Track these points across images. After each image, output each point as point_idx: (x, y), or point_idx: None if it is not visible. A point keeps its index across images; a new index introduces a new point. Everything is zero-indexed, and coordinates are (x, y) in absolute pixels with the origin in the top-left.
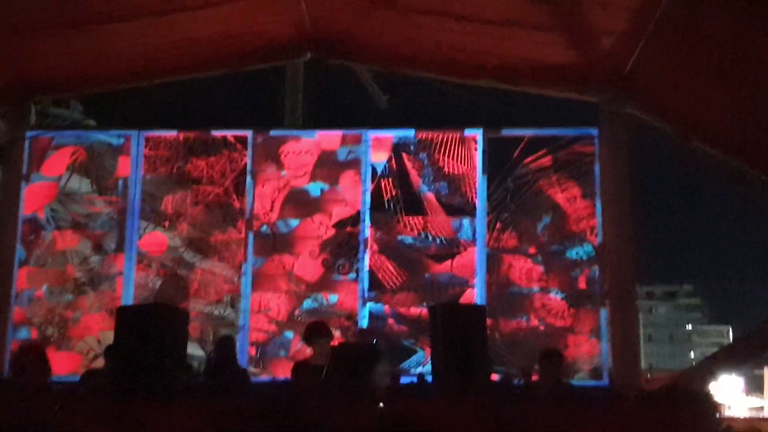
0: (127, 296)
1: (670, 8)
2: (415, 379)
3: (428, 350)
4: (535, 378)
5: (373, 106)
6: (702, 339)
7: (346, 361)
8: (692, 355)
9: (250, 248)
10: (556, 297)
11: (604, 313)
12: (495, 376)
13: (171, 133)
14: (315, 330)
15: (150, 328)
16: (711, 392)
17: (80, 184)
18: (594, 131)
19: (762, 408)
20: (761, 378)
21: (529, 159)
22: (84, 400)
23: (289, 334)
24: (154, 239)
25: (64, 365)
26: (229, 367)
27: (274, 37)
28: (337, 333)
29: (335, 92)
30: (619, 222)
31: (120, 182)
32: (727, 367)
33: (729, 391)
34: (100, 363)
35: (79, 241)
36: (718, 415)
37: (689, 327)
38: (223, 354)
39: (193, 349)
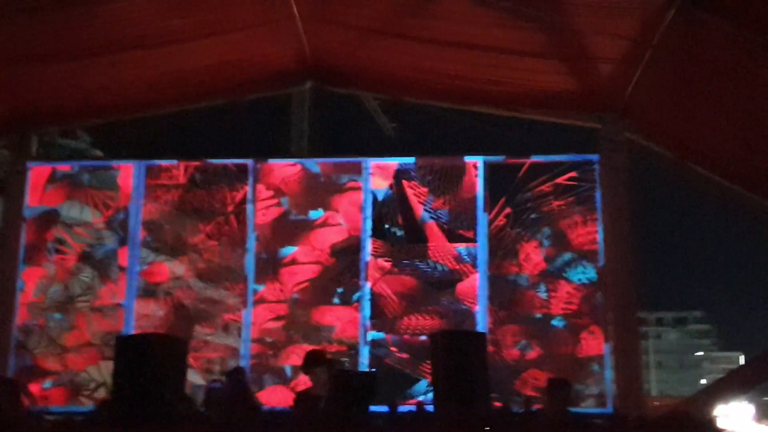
0: (128, 325)
1: (666, 36)
2: (414, 408)
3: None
4: (538, 406)
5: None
6: (713, 365)
7: (345, 389)
8: (702, 381)
9: (251, 276)
10: (559, 323)
11: (607, 342)
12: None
13: (172, 163)
14: (312, 358)
15: (149, 357)
16: (715, 418)
17: (81, 214)
18: (594, 157)
19: None
20: None
21: (529, 185)
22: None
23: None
24: (156, 268)
25: (66, 397)
26: (242, 399)
27: (274, 66)
28: (341, 361)
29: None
30: (620, 247)
31: (121, 212)
32: (734, 393)
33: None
34: (101, 393)
35: (81, 270)
36: None
37: (700, 353)
38: (237, 385)
39: (195, 378)
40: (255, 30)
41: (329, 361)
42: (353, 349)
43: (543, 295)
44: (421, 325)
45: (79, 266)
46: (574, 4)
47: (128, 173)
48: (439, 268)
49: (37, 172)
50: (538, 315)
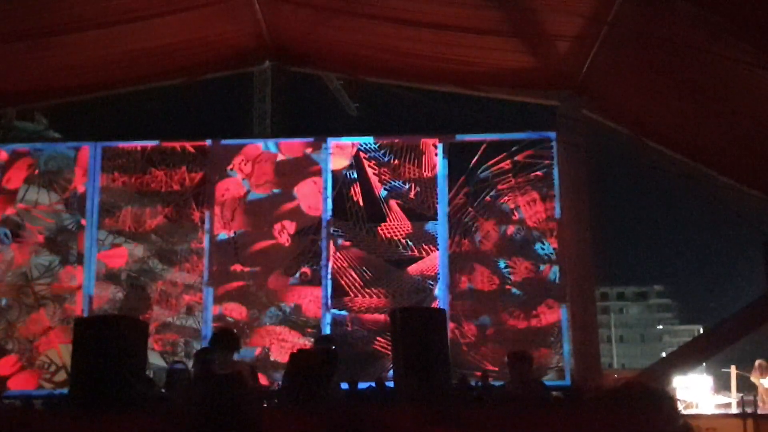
0: (87, 308)
1: (621, 13)
2: (374, 384)
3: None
4: (495, 380)
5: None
6: (673, 339)
7: (303, 367)
8: (663, 354)
9: (211, 258)
10: (518, 300)
11: (565, 314)
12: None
13: (130, 144)
14: (219, 337)
15: (108, 339)
16: (670, 389)
17: (38, 197)
18: (552, 134)
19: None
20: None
21: (488, 163)
22: (41, 414)
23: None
24: (115, 251)
25: (26, 381)
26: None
27: (232, 45)
28: (301, 340)
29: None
30: (578, 223)
31: (78, 194)
32: (690, 364)
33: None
34: (61, 377)
35: (39, 254)
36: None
37: (660, 327)
38: (202, 367)
39: (156, 360)
40: (212, 8)
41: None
42: (315, 328)
43: (502, 272)
44: (382, 303)
45: (38, 249)
46: None
47: (85, 155)
48: (400, 246)
49: None
50: (497, 291)
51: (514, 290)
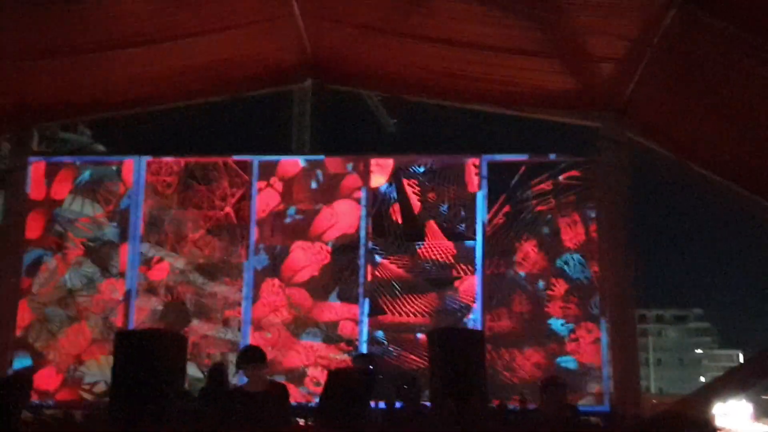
0: (128, 320)
1: (666, 36)
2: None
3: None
4: (534, 405)
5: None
6: (712, 363)
7: (341, 387)
8: (702, 379)
9: (251, 272)
10: (556, 321)
11: (604, 339)
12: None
13: (173, 158)
14: (247, 354)
15: (148, 352)
16: (712, 417)
17: (82, 208)
18: (594, 156)
19: None
20: None
21: (529, 184)
22: (81, 426)
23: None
24: (157, 263)
25: (66, 392)
26: (219, 393)
27: (275, 63)
28: (338, 358)
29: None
30: (619, 245)
31: (121, 206)
32: (732, 392)
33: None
34: (101, 388)
35: (82, 265)
36: None
37: (699, 351)
38: (215, 380)
39: (194, 372)
40: (256, 27)
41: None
42: (352, 346)
43: (541, 294)
44: (420, 322)
45: (80, 260)
46: (574, 4)
47: (129, 168)
48: (438, 265)
49: (38, 167)
50: (536, 313)
51: (552, 313)
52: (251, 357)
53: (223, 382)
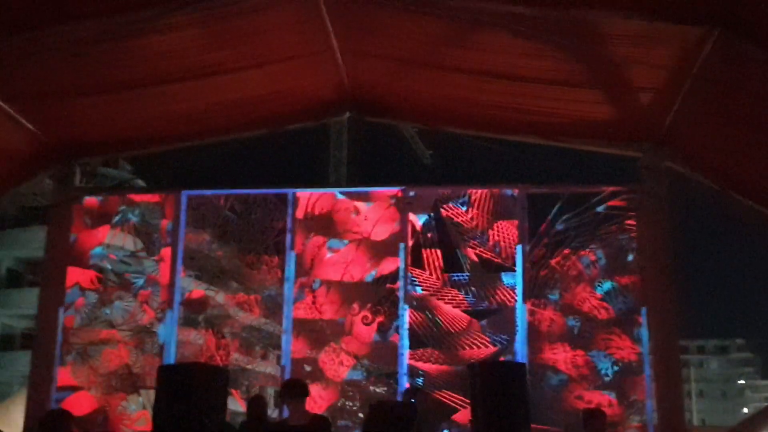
0: (170, 354)
1: (706, 65)
2: None
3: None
4: None
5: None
6: (755, 394)
7: (383, 420)
8: (745, 410)
9: (290, 306)
10: (599, 352)
11: (648, 371)
12: None
13: (213, 193)
14: (290, 387)
15: (190, 387)
16: None
17: (125, 243)
18: (634, 186)
19: None
20: None
21: (569, 215)
22: None
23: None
24: (197, 297)
25: (107, 426)
26: (259, 426)
27: (314, 98)
28: (378, 390)
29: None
30: (660, 277)
31: (162, 241)
32: None
33: None
34: (143, 424)
35: (123, 299)
36: None
37: (742, 382)
38: (254, 413)
39: (234, 406)
40: (295, 62)
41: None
42: (392, 379)
43: (582, 326)
44: (460, 354)
45: (121, 295)
46: (612, 35)
47: (170, 203)
48: (478, 297)
49: (80, 202)
50: (578, 345)
51: (593, 345)
52: (294, 390)
53: (263, 414)
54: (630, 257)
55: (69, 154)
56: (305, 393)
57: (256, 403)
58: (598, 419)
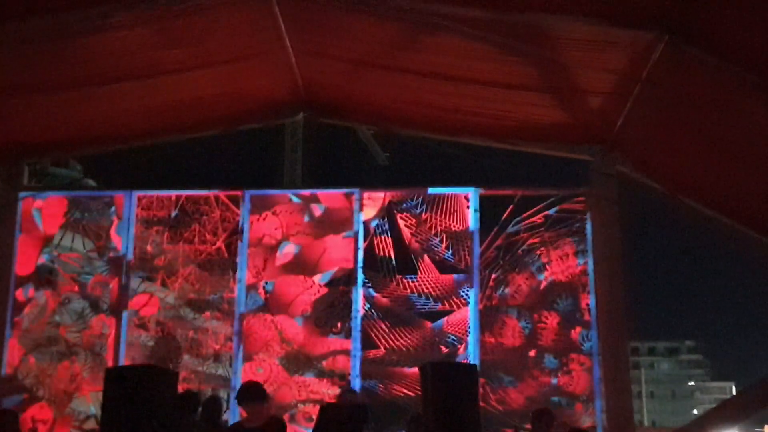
0: (119, 356)
1: (655, 70)
2: None
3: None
4: None
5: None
6: (705, 396)
7: (333, 423)
8: (695, 411)
9: (242, 307)
10: (549, 355)
11: (597, 372)
12: None
13: (164, 193)
14: (247, 391)
15: (138, 389)
16: None
17: (73, 244)
18: (585, 189)
19: None
20: None
21: (520, 217)
22: None
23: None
24: (147, 298)
25: (56, 428)
26: (213, 428)
27: (267, 98)
28: (330, 393)
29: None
30: (611, 279)
31: (112, 242)
32: (725, 424)
33: None
34: (91, 425)
35: (72, 301)
36: None
37: (692, 383)
38: (209, 415)
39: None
40: (247, 62)
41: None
42: (345, 380)
43: (533, 327)
44: (413, 356)
45: (70, 296)
46: (563, 39)
47: (120, 203)
48: (431, 299)
49: (28, 202)
50: (528, 347)
51: (545, 346)
52: (253, 394)
53: (218, 416)
54: (581, 260)
55: (16, 154)
56: (263, 396)
57: (211, 405)
58: (546, 418)
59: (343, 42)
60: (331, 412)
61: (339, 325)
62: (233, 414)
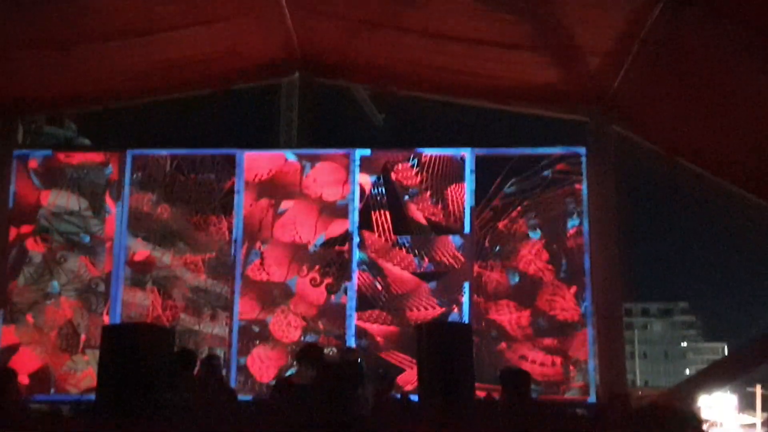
0: (115, 315)
1: (653, 29)
2: (398, 398)
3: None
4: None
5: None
6: (697, 356)
7: (329, 380)
8: (687, 372)
9: (238, 267)
10: (543, 315)
11: (591, 330)
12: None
13: (159, 153)
14: (306, 351)
15: (135, 347)
16: (697, 409)
17: (68, 203)
18: (581, 150)
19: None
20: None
21: (517, 177)
22: (68, 421)
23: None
24: (143, 258)
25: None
26: (215, 386)
27: (262, 57)
28: (326, 351)
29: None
30: (606, 240)
31: (107, 201)
32: (717, 384)
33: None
34: (88, 383)
35: (67, 260)
36: None
37: (684, 344)
38: (210, 373)
39: None
40: (242, 19)
41: (323, 358)
42: (340, 339)
43: (529, 287)
44: (408, 316)
45: (66, 255)
46: None
47: (115, 162)
48: (427, 260)
49: (23, 161)
50: (523, 306)
51: (540, 306)
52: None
53: (218, 372)
54: (576, 220)
55: (10, 111)
56: (320, 357)
57: (208, 362)
58: (520, 378)
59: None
60: (327, 370)
61: (334, 284)
62: (233, 373)
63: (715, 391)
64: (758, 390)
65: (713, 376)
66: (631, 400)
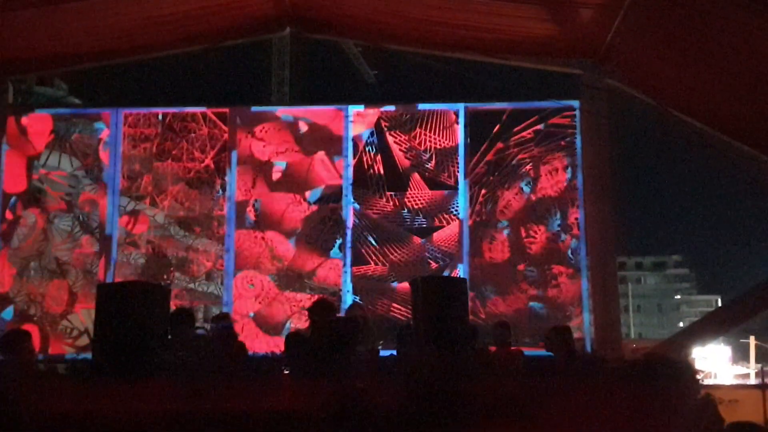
0: (109, 274)
1: None
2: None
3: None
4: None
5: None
6: (691, 309)
7: (328, 335)
8: (681, 324)
9: (232, 225)
10: (538, 269)
11: (585, 284)
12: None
13: (150, 110)
14: (319, 306)
15: (130, 305)
16: (690, 360)
17: (60, 162)
18: (575, 103)
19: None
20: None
21: (510, 132)
22: (65, 379)
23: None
24: (136, 217)
25: (44, 344)
26: (228, 345)
27: (253, 12)
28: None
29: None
30: (600, 193)
31: (99, 160)
32: (710, 336)
33: (716, 360)
34: (83, 342)
35: (61, 219)
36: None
37: (678, 297)
38: (222, 331)
39: None
40: None
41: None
42: (336, 296)
43: (522, 241)
44: (403, 271)
45: (59, 214)
46: None
47: (106, 121)
48: (420, 215)
49: (14, 120)
50: (517, 260)
51: (534, 260)
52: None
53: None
54: (570, 174)
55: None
56: (332, 312)
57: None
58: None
59: None
60: (325, 326)
61: (329, 241)
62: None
63: (709, 342)
64: (752, 341)
65: (707, 327)
66: (626, 352)
